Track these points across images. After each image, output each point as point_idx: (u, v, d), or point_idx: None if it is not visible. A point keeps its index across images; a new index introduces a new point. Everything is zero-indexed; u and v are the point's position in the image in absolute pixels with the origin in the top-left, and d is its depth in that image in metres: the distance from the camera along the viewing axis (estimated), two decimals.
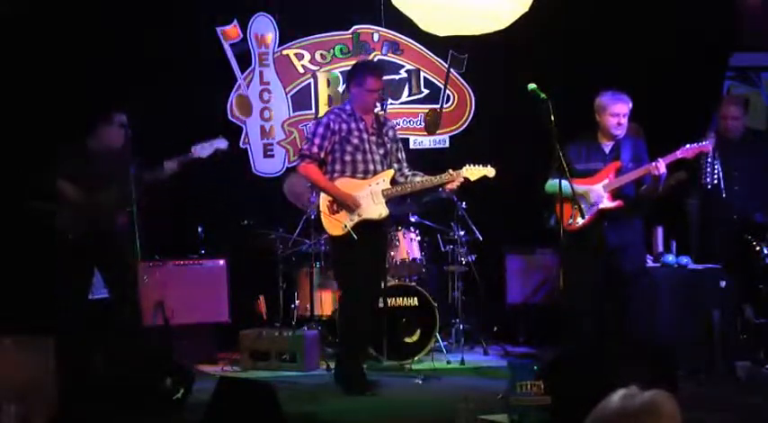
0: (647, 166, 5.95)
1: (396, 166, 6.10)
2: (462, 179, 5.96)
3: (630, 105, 6.11)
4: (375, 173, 5.99)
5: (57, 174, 6.30)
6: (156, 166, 6.34)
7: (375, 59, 8.19)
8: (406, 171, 6.13)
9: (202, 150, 6.38)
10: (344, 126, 5.97)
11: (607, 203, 5.98)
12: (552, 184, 6.10)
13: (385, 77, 8.14)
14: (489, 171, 6.03)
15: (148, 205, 6.24)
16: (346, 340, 6.09)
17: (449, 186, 6.03)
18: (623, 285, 6.02)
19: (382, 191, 5.96)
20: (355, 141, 5.96)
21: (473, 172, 5.99)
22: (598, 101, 6.13)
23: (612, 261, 6.00)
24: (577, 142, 6.12)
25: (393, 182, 6.03)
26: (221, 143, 6.45)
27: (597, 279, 5.98)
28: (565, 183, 5.94)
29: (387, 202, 5.99)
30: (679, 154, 5.98)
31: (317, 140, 5.96)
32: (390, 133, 6.15)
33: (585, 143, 6.15)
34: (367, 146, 5.99)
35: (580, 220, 5.87)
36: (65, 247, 6.29)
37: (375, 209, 5.94)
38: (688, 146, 6.00)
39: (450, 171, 5.96)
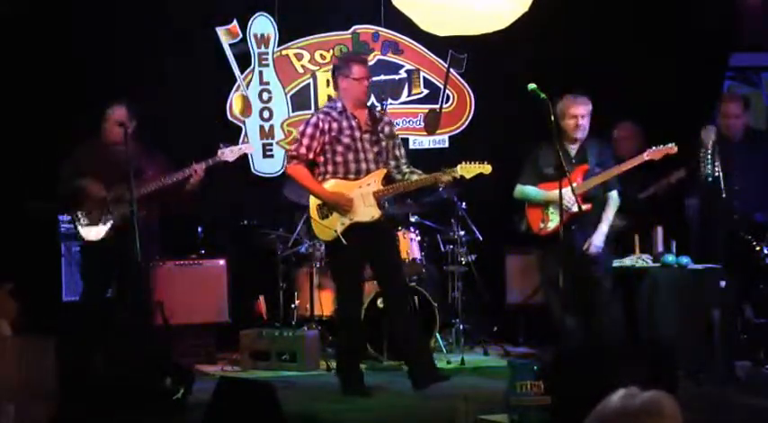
0: (614, 169, 6.02)
1: (392, 163, 5.92)
2: (457, 176, 5.76)
3: (590, 107, 6.08)
4: (368, 172, 5.80)
5: (78, 173, 6.30)
6: (182, 168, 6.31)
7: (375, 59, 8.19)
8: (405, 168, 5.93)
9: (230, 154, 6.37)
10: (335, 125, 5.78)
11: (577, 207, 5.97)
12: (521, 190, 6.15)
13: (385, 77, 8.23)
14: (485, 168, 5.82)
15: (171, 206, 6.27)
16: (343, 342, 6.05)
17: (443, 183, 5.88)
18: (595, 287, 6.07)
19: (373, 193, 5.77)
20: (346, 141, 5.78)
21: (468, 169, 5.77)
22: (558, 105, 6.07)
23: (581, 264, 6.02)
24: (544, 146, 6.06)
25: (389, 180, 5.87)
26: (249, 148, 6.50)
27: (571, 281, 6.00)
28: (533, 189, 6.00)
29: (388, 202, 5.87)
30: (646, 156, 6.02)
31: (305, 141, 5.77)
32: (386, 129, 5.96)
33: (552, 147, 6.09)
34: (359, 144, 5.81)
35: (551, 225, 5.88)
36: (88, 246, 6.32)
37: (366, 211, 5.76)
38: (654, 148, 6.04)
39: (444, 169, 5.77)
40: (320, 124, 5.79)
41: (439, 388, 5.72)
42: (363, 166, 5.81)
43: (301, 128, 5.94)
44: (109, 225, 6.25)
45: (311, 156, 5.80)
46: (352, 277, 5.89)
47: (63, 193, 6.37)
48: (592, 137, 6.24)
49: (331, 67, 8.04)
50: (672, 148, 6.04)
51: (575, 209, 5.87)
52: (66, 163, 6.38)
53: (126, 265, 6.27)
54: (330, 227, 5.73)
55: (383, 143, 5.89)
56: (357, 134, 5.82)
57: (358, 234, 5.74)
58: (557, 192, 5.72)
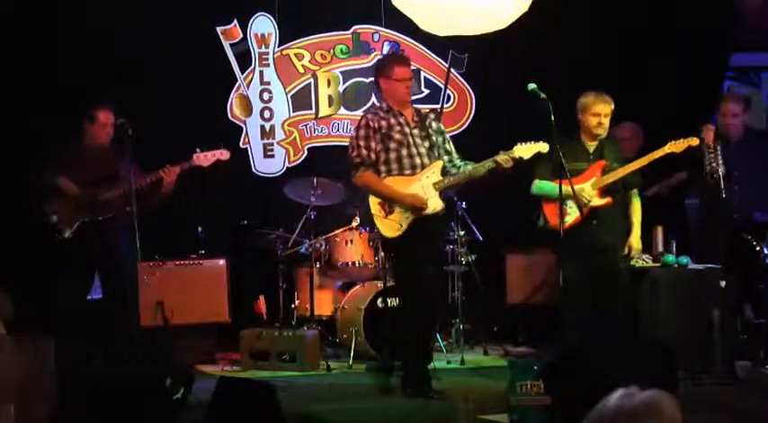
0: (635, 163, 6.00)
1: (445, 158, 5.80)
2: (516, 158, 5.61)
3: (612, 106, 6.08)
4: (423, 167, 5.68)
5: (54, 171, 6.32)
6: (155, 170, 6.35)
7: (375, 59, 8.16)
8: (458, 162, 5.81)
9: (205, 159, 6.40)
10: (384, 123, 5.69)
11: (597, 201, 5.97)
12: (539, 185, 6.12)
13: None
14: (542, 146, 5.63)
15: (143, 207, 6.28)
16: (413, 338, 5.75)
17: (502, 166, 5.64)
18: (614, 283, 6.03)
19: (433, 184, 5.67)
20: (398, 137, 5.68)
21: (525, 150, 5.61)
22: (581, 100, 6.11)
23: (603, 259, 6.01)
24: (564, 143, 6.06)
25: (444, 174, 5.75)
26: (224, 154, 6.49)
27: (589, 278, 5.97)
28: (549, 184, 5.98)
29: (442, 193, 5.72)
30: (667, 148, 6.01)
31: (362, 143, 5.67)
32: (434, 125, 5.86)
33: (569, 143, 6.03)
34: (410, 140, 5.70)
35: (569, 219, 5.86)
36: (62, 245, 6.32)
37: (429, 203, 5.64)
38: (675, 142, 6.02)
39: (502, 152, 5.63)
40: (371, 123, 5.70)
41: (439, 388, 5.72)
42: (417, 160, 5.70)
43: (353, 133, 5.83)
44: (75, 227, 6.27)
45: (373, 156, 5.68)
46: (418, 269, 5.71)
47: (43, 188, 6.38)
48: (609, 136, 6.23)
49: (334, 65, 8.15)
50: (694, 140, 6.02)
51: (594, 203, 5.87)
52: (51, 160, 6.40)
53: (110, 265, 6.29)
54: (396, 221, 5.64)
55: (433, 138, 5.80)
56: (407, 130, 5.73)
57: (421, 227, 5.65)
58: (575, 186, 5.72)
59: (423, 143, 5.75)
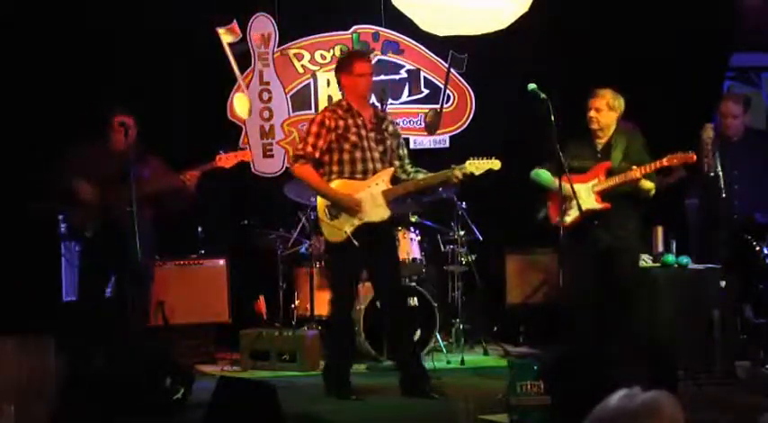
0: (629, 173, 5.83)
1: (397, 163, 5.80)
2: (467, 173, 5.59)
3: (605, 99, 5.93)
4: (375, 172, 5.68)
5: (70, 172, 6.32)
6: (176, 173, 6.34)
7: (375, 59, 8.17)
8: (409, 168, 5.82)
9: (227, 161, 6.37)
10: (341, 122, 5.68)
11: (594, 205, 5.87)
12: (537, 172, 6.06)
13: (385, 77, 8.22)
14: (494, 164, 5.59)
15: (167, 208, 6.28)
16: (335, 343, 5.97)
17: (452, 181, 5.70)
18: (616, 286, 5.98)
19: (382, 192, 5.67)
20: (353, 138, 5.66)
21: (477, 165, 5.57)
22: None
23: (605, 261, 5.95)
24: (576, 138, 6.02)
25: (394, 180, 5.75)
26: (246, 155, 6.50)
27: (591, 278, 5.92)
28: (548, 174, 5.91)
29: (390, 202, 5.72)
30: (665, 161, 5.83)
31: (311, 139, 5.67)
32: (390, 128, 5.85)
33: (582, 140, 6.02)
34: (365, 143, 5.69)
35: (568, 219, 5.82)
36: (85, 245, 6.33)
37: (376, 212, 5.65)
38: (672, 155, 5.84)
39: (453, 167, 5.62)
40: (326, 122, 5.69)
41: (439, 388, 5.72)
42: (370, 165, 5.70)
43: (307, 126, 5.86)
44: (95, 227, 6.28)
45: (318, 154, 5.68)
46: (351, 279, 5.83)
47: (56, 187, 6.38)
48: (621, 131, 6.04)
49: (333, 65, 8.14)
50: (692, 156, 5.78)
51: (590, 206, 5.78)
52: (66, 158, 6.40)
53: (123, 265, 6.29)
54: (340, 228, 5.63)
55: (388, 142, 5.79)
56: (363, 132, 5.71)
57: (366, 235, 5.64)
58: (576, 185, 5.61)
59: (377, 147, 5.74)
